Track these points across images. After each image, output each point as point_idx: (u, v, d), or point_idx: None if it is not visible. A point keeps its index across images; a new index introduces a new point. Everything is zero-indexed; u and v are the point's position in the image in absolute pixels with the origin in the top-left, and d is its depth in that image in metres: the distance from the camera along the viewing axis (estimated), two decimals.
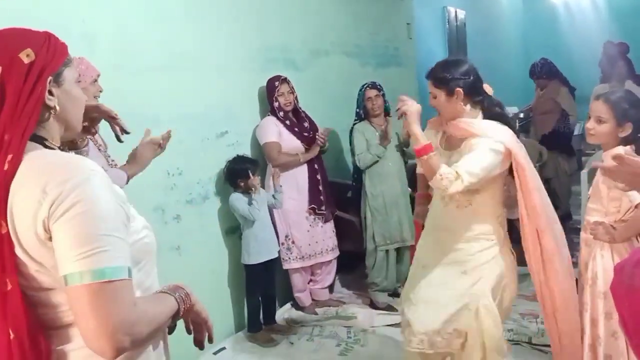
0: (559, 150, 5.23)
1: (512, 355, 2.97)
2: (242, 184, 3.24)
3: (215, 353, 3.23)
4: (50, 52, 1.05)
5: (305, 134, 3.61)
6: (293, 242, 3.57)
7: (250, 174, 3.20)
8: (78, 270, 0.94)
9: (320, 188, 3.63)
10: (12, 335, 0.98)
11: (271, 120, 3.55)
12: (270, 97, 3.54)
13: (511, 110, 5.80)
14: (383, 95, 3.77)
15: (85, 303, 0.94)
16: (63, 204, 0.95)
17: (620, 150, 2.05)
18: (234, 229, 3.47)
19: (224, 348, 3.28)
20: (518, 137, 2.23)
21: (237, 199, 3.26)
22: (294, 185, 3.55)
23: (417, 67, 5.76)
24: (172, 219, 3.06)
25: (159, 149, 2.27)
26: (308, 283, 3.78)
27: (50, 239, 0.96)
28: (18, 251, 0.98)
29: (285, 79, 3.56)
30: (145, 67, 2.87)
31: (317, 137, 3.56)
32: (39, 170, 0.99)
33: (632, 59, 5.06)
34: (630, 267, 0.84)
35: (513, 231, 5.05)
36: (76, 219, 0.95)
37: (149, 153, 2.24)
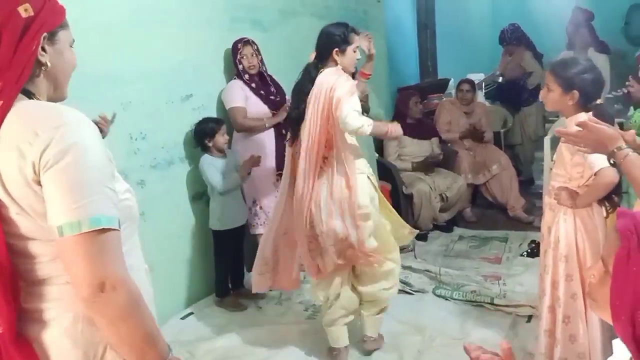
0: (513, 104, 5.37)
1: (477, 316, 3.08)
2: (210, 144, 3.21)
3: (182, 318, 3.22)
4: (48, 10, 1.06)
5: (272, 97, 3.55)
6: (260, 208, 3.54)
7: (216, 132, 3.19)
8: (75, 219, 0.95)
9: None
10: None
11: (237, 83, 3.47)
12: (235, 59, 3.47)
13: (477, 77, 5.82)
14: None
15: (79, 251, 0.96)
16: (55, 151, 0.95)
17: (583, 117, 2.08)
18: (200, 195, 3.42)
19: (191, 313, 3.28)
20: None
21: (208, 164, 3.22)
22: (261, 151, 3.50)
23: (386, 31, 5.72)
24: (136, 184, 2.99)
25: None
26: None
27: (38, 183, 0.96)
28: (2, 196, 0.97)
29: (249, 40, 3.48)
30: (106, 21, 2.74)
31: (286, 104, 3.52)
32: (30, 114, 1.01)
33: (600, 26, 5.12)
34: None
35: (477, 196, 5.16)
36: (70, 168, 0.95)
37: None
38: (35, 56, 1.04)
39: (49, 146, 0.95)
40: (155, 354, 1.05)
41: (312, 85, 2.55)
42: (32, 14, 1.03)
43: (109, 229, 0.98)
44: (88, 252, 0.96)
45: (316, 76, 2.56)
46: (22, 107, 1.01)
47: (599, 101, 2.12)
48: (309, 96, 2.54)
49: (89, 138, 1.01)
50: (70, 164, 0.95)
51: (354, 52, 2.60)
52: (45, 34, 1.06)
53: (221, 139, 3.23)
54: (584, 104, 2.08)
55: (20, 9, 1.02)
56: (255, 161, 3.29)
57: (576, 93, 2.05)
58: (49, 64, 1.07)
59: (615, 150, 1.44)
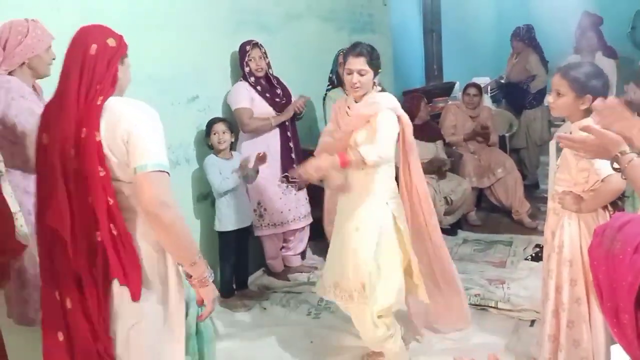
0: (516, 107, 5.38)
1: (478, 320, 3.07)
2: (209, 142, 3.28)
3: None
4: (123, 43, 1.71)
5: (278, 100, 3.57)
6: (265, 210, 3.56)
7: (210, 131, 3.23)
8: (151, 162, 1.54)
9: (293, 156, 3.60)
10: (111, 202, 1.56)
11: (243, 85, 3.49)
12: (242, 61, 3.48)
13: (482, 80, 5.83)
14: None
15: (151, 181, 1.54)
16: (139, 122, 1.57)
17: (590, 121, 2.07)
18: (205, 195, 3.44)
19: None
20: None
21: (211, 164, 3.25)
22: (267, 152, 3.52)
23: (392, 35, 5.73)
24: None
25: None
26: (280, 250, 3.79)
27: (127, 143, 1.55)
28: (106, 151, 1.56)
29: (257, 43, 3.50)
30: (111, 24, 2.75)
31: (295, 106, 3.54)
32: (123, 103, 1.62)
33: (606, 31, 5.11)
34: (612, 231, 0.84)
35: (482, 199, 5.15)
36: (146, 132, 1.57)
37: None
38: (117, 71, 1.66)
39: (134, 120, 1.57)
40: (190, 254, 1.66)
41: None
42: (114, 45, 1.66)
43: (167, 172, 1.58)
44: (156, 182, 1.55)
45: None
46: (116, 100, 1.62)
47: None
48: None
49: (156, 117, 1.63)
50: (147, 129, 1.57)
51: (347, 74, 2.44)
52: (121, 56, 1.68)
53: (214, 137, 3.24)
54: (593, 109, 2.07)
55: (109, 41, 1.66)
56: (262, 158, 3.29)
57: (589, 97, 2.04)
58: (120, 75, 1.67)
59: (619, 154, 1.40)
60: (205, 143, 3.32)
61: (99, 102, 1.58)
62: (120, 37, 1.70)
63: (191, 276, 1.69)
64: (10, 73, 2.17)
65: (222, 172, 3.22)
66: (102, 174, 1.55)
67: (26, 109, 2.13)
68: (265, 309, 3.37)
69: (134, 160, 1.55)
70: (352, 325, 2.85)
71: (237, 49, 3.52)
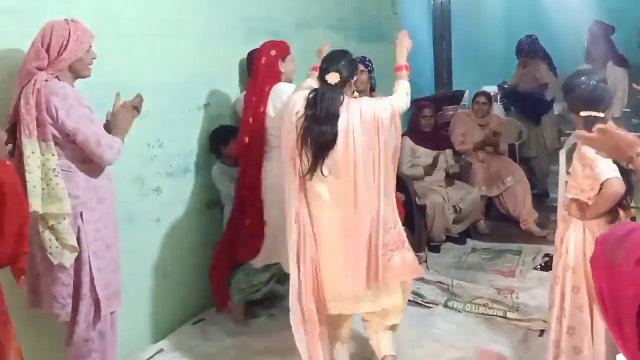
0: (531, 116, 5.32)
1: (485, 330, 3.06)
2: (223, 150, 3.29)
3: (194, 324, 3.25)
4: (284, 49, 3.00)
5: None
6: None
7: (229, 140, 3.24)
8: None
9: None
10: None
11: None
12: (250, 70, 3.49)
13: (492, 89, 5.81)
14: (369, 72, 3.76)
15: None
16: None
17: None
18: (215, 203, 3.45)
19: (203, 319, 3.30)
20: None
21: (220, 174, 3.28)
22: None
23: None
24: (152, 191, 3.03)
25: (136, 112, 2.32)
26: None
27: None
28: (270, 112, 2.93)
29: None
30: (124, 32, 2.79)
31: None
32: (283, 87, 2.90)
33: (618, 40, 5.07)
34: (613, 241, 0.84)
35: (491, 208, 5.12)
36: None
37: (129, 116, 2.29)
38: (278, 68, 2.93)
39: (284, 96, 2.80)
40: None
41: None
42: (275, 53, 2.93)
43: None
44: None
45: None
46: (279, 85, 2.91)
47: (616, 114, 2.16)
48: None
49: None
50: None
51: None
52: (280, 58, 2.94)
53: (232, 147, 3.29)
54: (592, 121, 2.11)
55: (272, 52, 2.94)
56: None
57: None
58: (282, 71, 2.93)
59: (634, 156, 1.39)
60: (214, 150, 3.33)
61: (267, 89, 2.86)
62: (282, 44, 3.00)
63: None
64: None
65: (231, 180, 3.25)
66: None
67: (85, 116, 2.14)
68: (273, 316, 3.37)
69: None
70: (360, 332, 2.86)
71: (246, 56, 3.54)
